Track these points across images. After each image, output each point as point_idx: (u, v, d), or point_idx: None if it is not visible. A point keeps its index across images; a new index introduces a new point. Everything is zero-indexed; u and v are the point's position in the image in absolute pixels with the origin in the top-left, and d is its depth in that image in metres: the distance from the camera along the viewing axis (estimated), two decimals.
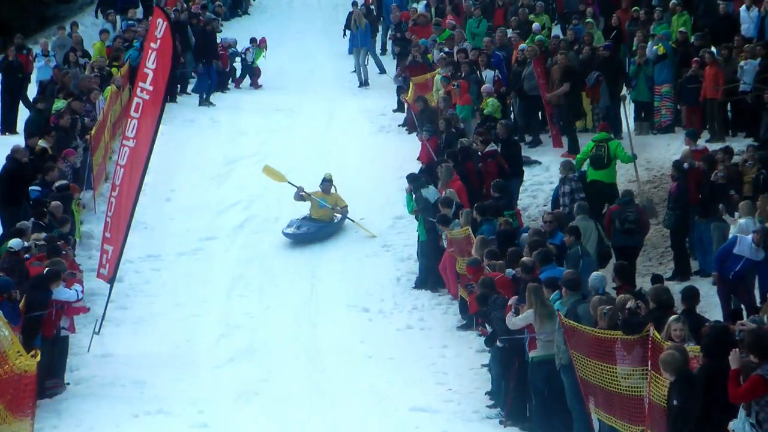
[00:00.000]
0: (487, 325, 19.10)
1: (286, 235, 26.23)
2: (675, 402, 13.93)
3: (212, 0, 42.07)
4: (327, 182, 26.54)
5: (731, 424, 13.34)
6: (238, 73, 38.61)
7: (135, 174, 23.17)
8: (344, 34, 41.26)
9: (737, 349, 12.86)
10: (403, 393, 19.70)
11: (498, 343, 18.53)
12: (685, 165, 22.78)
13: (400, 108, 33.99)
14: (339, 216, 27.00)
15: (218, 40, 37.81)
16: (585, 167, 24.57)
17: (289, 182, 27.32)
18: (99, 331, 21.92)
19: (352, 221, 26.77)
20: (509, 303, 18.20)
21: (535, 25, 32.70)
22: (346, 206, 26.90)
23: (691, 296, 16.55)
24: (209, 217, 28.48)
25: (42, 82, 32.76)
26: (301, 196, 26.82)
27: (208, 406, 18.94)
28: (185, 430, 18.39)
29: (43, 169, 23.87)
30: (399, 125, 33.87)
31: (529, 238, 21.01)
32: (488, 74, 30.37)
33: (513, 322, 17.63)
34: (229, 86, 37.78)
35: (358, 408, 19.32)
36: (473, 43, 33.54)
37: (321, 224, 26.45)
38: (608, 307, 16.62)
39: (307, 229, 26.10)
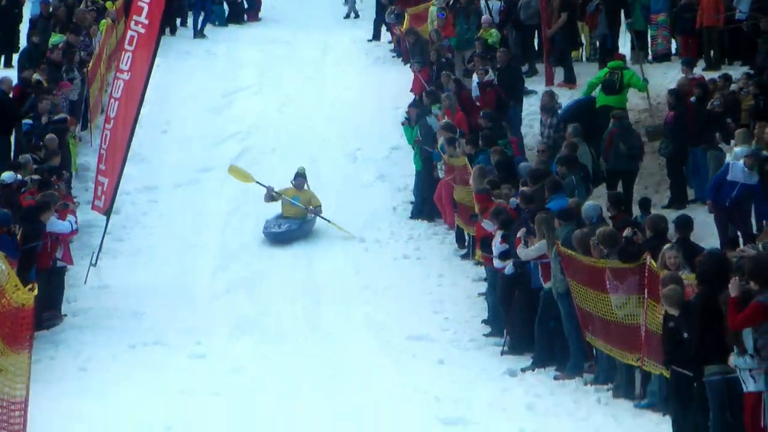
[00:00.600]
0: (494, 249, 18.95)
1: (268, 235, 24.59)
2: (685, 335, 13.78)
3: None
4: (300, 177, 24.71)
5: (732, 359, 13.20)
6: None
7: (130, 107, 23.20)
8: None
9: (737, 277, 12.75)
10: (399, 322, 19.86)
11: (510, 268, 18.52)
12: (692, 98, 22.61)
13: (375, 37, 34.03)
14: (312, 215, 25.47)
15: None
16: (596, 93, 24.52)
17: (257, 182, 25.59)
18: (96, 263, 22.00)
19: (327, 221, 24.77)
20: (518, 235, 18.28)
21: None
22: (320, 205, 25.00)
23: (685, 225, 16.62)
24: (206, 148, 28.50)
25: (33, 17, 32.67)
26: (271, 196, 25.35)
27: (204, 338, 19.02)
28: (182, 361, 18.40)
29: (36, 101, 24.01)
30: (392, 55, 33.69)
31: (533, 167, 21.29)
32: (494, 5, 30.04)
33: (526, 252, 17.73)
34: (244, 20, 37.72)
35: (354, 338, 19.46)
36: None
37: (300, 221, 24.71)
38: (606, 229, 16.71)
39: (289, 226, 24.38)
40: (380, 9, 35.73)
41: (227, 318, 20.09)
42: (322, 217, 24.76)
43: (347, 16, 40.41)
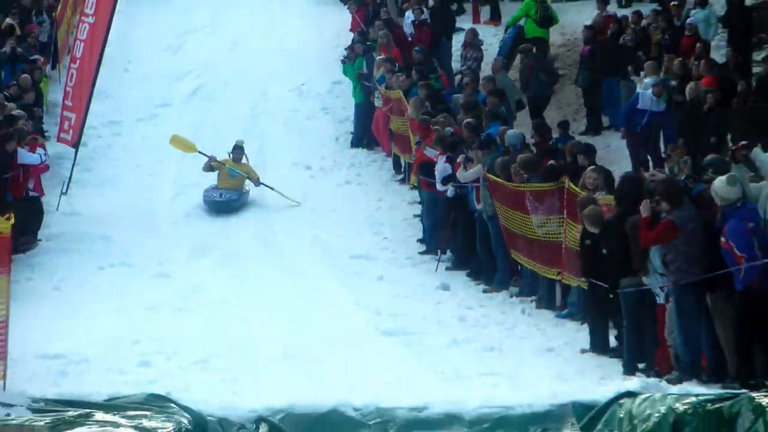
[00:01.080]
0: (438, 173, 19.12)
1: (209, 203, 22.83)
2: (604, 251, 14.19)
3: None
4: (238, 149, 23.09)
5: (646, 281, 13.70)
6: None
7: (95, 47, 23.29)
8: None
9: (647, 200, 13.15)
10: (343, 242, 20.27)
11: (451, 191, 18.81)
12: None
13: None
14: (248, 188, 23.79)
15: None
16: (523, 23, 24.65)
17: (199, 152, 23.89)
18: (66, 191, 22.16)
19: (271, 188, 23.11)
20: (458, 160, 18.54)
21: None
22: (258, 177, 23.54)
23: (589, 151, 17.00)
24: (164, 85, 28.58)
25: None
26: (210, 166, 23.66)
27: (166, 259, 19.29)
28: (147, 281, 18.64)
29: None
30: None
31: (463, 99, 21.35)
32: None
33: (464, 175, 18.03)
34: None
35: (303, 257, 19.74)
36: None
37: (238, 192, 23.19)
38: (526, 156, 17.07)
39: (229, 196, 22.79)
40: None
41: (187, 241, 20.29)
42: (266, 185, 23.44)
43: None
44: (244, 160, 23.48)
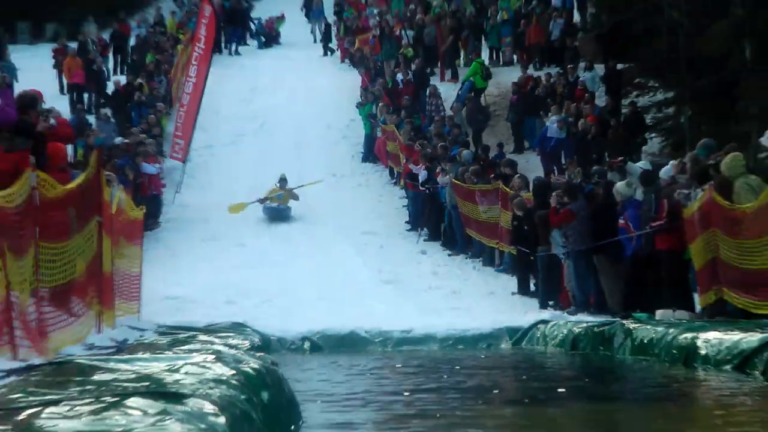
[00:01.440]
0: (419, 178, 19.48)
1: (267, 210, 21.31)
2: (525, 228, 14.42)
3: None
4: (283, 180, 21.06)
5: (554, 250, 13.86)
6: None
7: (196, 97, 23.12)
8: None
9: (554, 193, 13.16)
10: (356, 223, 19.83)
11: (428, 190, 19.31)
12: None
13: (325, 54, 32.71)
14: (290, 204, 22.13)
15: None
16: (473, 79, 24.22)
17: (249, 203, 21.46)
18: (179, 191, 21.79)
19: (302, 186, 21.38)
20: (437, 170, 18.62)
21: None
22: (295, 196, 21.60)
23: (515, 164, 17.23)
24: (241, 122, 27.38)
25: (133, 44, 31.62)
26: (261, 200, 21.80)
27: (243, 235, 18.96)
28: (231, 249, 18.42)
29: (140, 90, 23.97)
30: (348, 65, 31.89)
31: (435, 130, 21.50)
32: (409, 33, 29.13)
33: (442, 180, 18.03)
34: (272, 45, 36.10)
35: (329, 234, 19.25)
36: None
37: (284, 205, 21.51)
38: (475, 168, 17.19)
39: (278, 207, 21.16)
40: (327, 34, 34.03)
41: (255, 225, 20.01)
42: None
43: (325, 51, 36.31)
44: (287, 186, 21.46)
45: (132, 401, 4.06)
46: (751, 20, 19.86)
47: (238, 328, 12.65)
